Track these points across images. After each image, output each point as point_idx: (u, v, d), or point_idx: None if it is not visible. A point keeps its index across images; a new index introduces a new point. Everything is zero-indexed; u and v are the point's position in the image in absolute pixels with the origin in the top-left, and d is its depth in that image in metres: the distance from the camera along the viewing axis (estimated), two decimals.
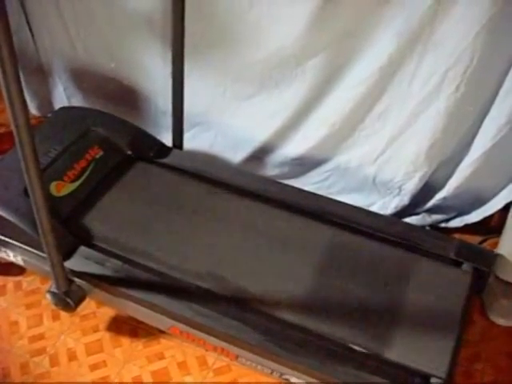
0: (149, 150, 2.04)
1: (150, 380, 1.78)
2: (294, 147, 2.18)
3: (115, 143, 2.01)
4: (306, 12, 1.78)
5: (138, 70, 2.31)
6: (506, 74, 1.71)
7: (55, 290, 1.65)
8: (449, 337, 1.52)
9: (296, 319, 1.56)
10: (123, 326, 1.91)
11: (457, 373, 1.52)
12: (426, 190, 2.09)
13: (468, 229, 2.09)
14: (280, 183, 2.03)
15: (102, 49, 2.32)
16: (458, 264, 1.72)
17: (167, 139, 2.11)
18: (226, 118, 2.24)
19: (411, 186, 2.07)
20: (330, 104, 2.01)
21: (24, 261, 1.83)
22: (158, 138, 2.12)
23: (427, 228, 2.12)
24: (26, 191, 1.42)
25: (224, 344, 1.58)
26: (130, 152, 2.03)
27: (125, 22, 2.17)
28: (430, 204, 2.11)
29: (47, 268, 1.58)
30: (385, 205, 2.16)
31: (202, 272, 1.67)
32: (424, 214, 2.15)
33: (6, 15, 1.05)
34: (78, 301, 1.69)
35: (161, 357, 1.83)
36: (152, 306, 1.62)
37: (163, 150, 2.07)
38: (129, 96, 2.40)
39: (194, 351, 1.83)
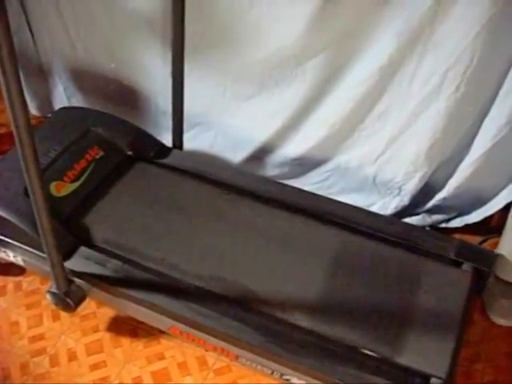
0: (149, 151, 2.04)
1: (150, 380, 1.78)
2: (294, 147, 2.18)
3: (115, 143, 2.01)
4: (306, 12, 1.78)
5: (138, 70, 2.31)
6: (506, 74, 1.71)
7: (55, 291, 1.65)
8: (449, 337, 1.52)
9: (296, 319, 1.56)
10: (123, 327, 1.91)
11: (457, 373, 1.52)
12: (426, 191, 2.09)
13: (468, 229, 2.09)
14: (280, 183, 2.02)
15: (102, 49, 2.32)
16: (458, 264, 1.72)
17: (167, 139, 2.11)
18: (226, 118, 2.23)
19: (411, 186, 2.07)
20: (330, 104, 2.01)
21: (24, 261, 1.83)
22: (158, 138, 2.12)
23: (427, 228, 2.11)
24: (26, 191, 1.43)
25: (224, 344, 1.58)
26: (130, 152, 2.03)
27: (125, 22, 2.17)
28: (430, 204, 2.11)
29: (47, 268, 1.58)
30: (385, 205, 2.16)
31: (202, 272, 1.67)
32: (424, 215, 2.15)
33: (5, 15, 1.05)
34: (78, 301, 1.69)
35: (161, 357, 1.83)
36: (152, 306, 1.62)
37: (163, 150, 2.07)
38: (129, 96, 2.40)
39: (194, 351, 1.83)
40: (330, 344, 1.50)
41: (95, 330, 1.91)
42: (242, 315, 1.56)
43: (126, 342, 1.87)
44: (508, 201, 1.90)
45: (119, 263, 1.67)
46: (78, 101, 2.57)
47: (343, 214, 1.85)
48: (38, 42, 2.47)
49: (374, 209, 2.14)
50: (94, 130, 1.99)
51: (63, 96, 2.59)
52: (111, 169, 1.96)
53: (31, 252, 1.73)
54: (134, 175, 1.98)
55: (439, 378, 1.43)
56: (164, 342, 1.86)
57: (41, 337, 1.90)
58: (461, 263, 1.72)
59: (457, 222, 2.12)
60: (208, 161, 2.28)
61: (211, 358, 1.82)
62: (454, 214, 2.13)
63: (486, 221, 2.04)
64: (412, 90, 1.85)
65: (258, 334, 1.52)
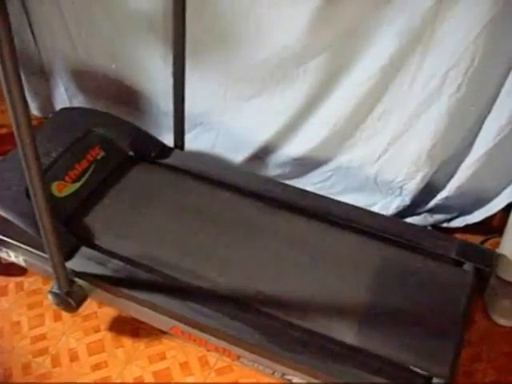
0: (150, 151, 2.04)
1: (152, 380, 1.78)
2: (296, 147, 2.18)
3: (116, 144, 2.01)
4: (307, 12, 1.78)
5: (140, 71, 2.31)
6: (507, 74, 1.71)
7: (57, 291, 1.65)
8: (450, 337, 1.52)
9: (298, 319, 1.56)
10: (125, 327, 1.91)
11: (458, 373, 1.52)
12: (428, 190, 2.09)
13: (470, 229, 2.09)
14: (281, 183, 2.02)
15: (104, 49, 2.32)
16: (459, 264, 1.72)
17: (169, 140, 2.11)
18: (228, 118, 2.24)
19: (413, 186, 2.07)
20: (331, 104, 2.01)
21: (25, 261, 1.83)
22: (160, 138, 2.12)
23: (429, 228, 2.11)
24: (27, 192, 1.43)
25: (226, 344, 1.58)
26: (131, 152, 2.03)
27: (126, 22, 2.17)
28: (431, 204, 2.11)
29: (49, 268, 1.58)
30: (386, 205, 2.16)
31: (204, 272, 1.67)
32: (425, 214, 2.15)
33: (7, 16, 1.05)
34: (80, 301, 1.69)
35: (162, 357, 1.83)
36: (153, 307, 1.62)
37: (164, 150, 2.07)
38: (130, 96, 2.40)
39: (195, 351, 1.83)
40: (331, 344, 1.50)
41: (97, 330, 1.91)
42: (244, 315, 1.56)
43: (127, 342, 1.88)
44: (509, 201, 1.90)
45: (121, 263, 1.67)
46: (79, 101, 2.57)
47: (345, 214, 1.85)
48: (39, 43, 2.47)
49: (375, 209, 2.14)
50: (96, 131, 1.99)
51: (64, 96, 2.60)
52: (112, 169, 1.96)
53: (33, 252, 1.73)
54: (136, 175, 1.98)
55: (441, 377, 1.43)
56: (166, 342, 1.86)
57: (42, 337, 1.90)
58: (462, 263, 1.72)
59: (458, 222, 2.12)
60: (209, 161, 2.28)
61: (213, 358, 1.82)
62: (455, 214, 2.13)
63: (488, 221, 2.04)
64: (413, 89, 1.85)
65: (260, 334, 1.52)
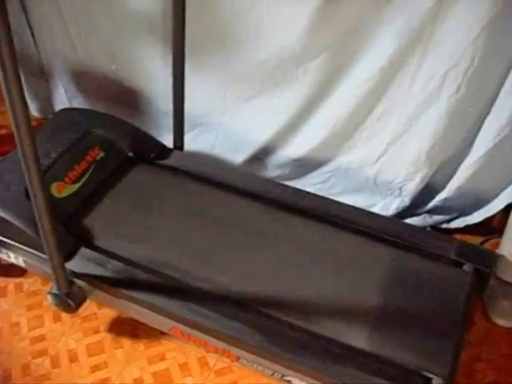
0: (150, 152, 2.04)
1: (151, 381, 1.78)
2: (295, 148, 2.18)
3: (116, 144, 2.01)
4: (307, 13, 1.78)
5: (139, 72, 2.31)
6: (506, 74, 1.71)
7: (56, 292, 1.65)
8: (450, 337, 1.52)
9: (297, 320, 1.56)
10: (124, 328, 1.91)
11: (458, 373, 1.52)
12: (427, 191, 2.09)
13: (469, 229, 2.09)
14: (281, 184, 2.02)
15: (103, 50, 2.32)
16: (459, 265, 1.72)
17: (168, 140, 2.11)
18: (227, 119, 2.24)
19: (412, 187, 2.07)
20: (330, 105, 2.01)
21: (25, 262, 1.83)
22: (159, 139, 2.12)
23: (428, 229, 2.11)
24: (26, 193, 1.43)
25: (225, 345, 1.58)
26: (130, 153, 2.03)
27: (125, 23, 2.17)
28: (431, 205, 2.11)
29: (48, 269, 1.58)
30: (386, 206, 2.16)
31: (203, 273, 1.67)
32: (425, 215, 2.15)
33: (6, 17, 1.06)
34: (79, 302, 1.69)
35: (162, 358, 1.83)
36: (153, 307, 1.62)
37: (164, 151, 2.07)
38: (129, 97, 2.40)
39: (195, 352, 1.83)
40: (331, 345, 1.50)
41: (96, 331, 1.91)
42: (243, 316, 1.56)
43: (126, 342, 1.87)
44: (509, 201, 1.90)
45: (120, 264, 1.67)
46: (78, 102, 2.57)
47: (344, 214, 1.85)
48: (38, 44, 2.47)
49: (375, 210, 2.14)
50: (95, 132, 1.99)
51: (64, 97, 2.60)
52: (112, 170, 1.96)
53: (32, 253, 1.73)
54: (135, 176, 1.98)
55: (440, 378, 1.43)
56: (165, 343, 1.86)
57: (42, 338, 1.90)
58: (462, 264, 1.72)
59: (458, 223, 2.12)
60: (209, 162, 2.28)
61: (212, 358, 1.82)
62: (454, 215, 2.13)
63: (487, 221, 2.04)
64: (413, 90, 1.85)
65: (259, 334, 1.52)
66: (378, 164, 2.08)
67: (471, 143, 1.92)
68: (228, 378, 1.78)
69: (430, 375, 1.44)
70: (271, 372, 1.57)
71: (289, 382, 1.56)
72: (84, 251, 1.70)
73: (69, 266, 1.64)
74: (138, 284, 1.64)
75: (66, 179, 1.84)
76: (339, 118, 2.01)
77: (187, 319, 1.57)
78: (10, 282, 2.06)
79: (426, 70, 1.79)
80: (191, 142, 2.27)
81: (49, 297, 1.68)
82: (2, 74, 1.11)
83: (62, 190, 1.82)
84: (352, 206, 1.90)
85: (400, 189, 2.11)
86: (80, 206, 1.84)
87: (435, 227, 2.15)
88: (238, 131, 2.25)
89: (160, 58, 2.17)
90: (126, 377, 1.79)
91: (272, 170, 2.29)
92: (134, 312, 1.72)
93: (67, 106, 2.58)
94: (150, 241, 1.77)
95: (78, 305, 1.69)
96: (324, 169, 2.20)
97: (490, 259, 1.75)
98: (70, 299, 1.65)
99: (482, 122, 1.85)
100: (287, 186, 1.99)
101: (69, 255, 1.67)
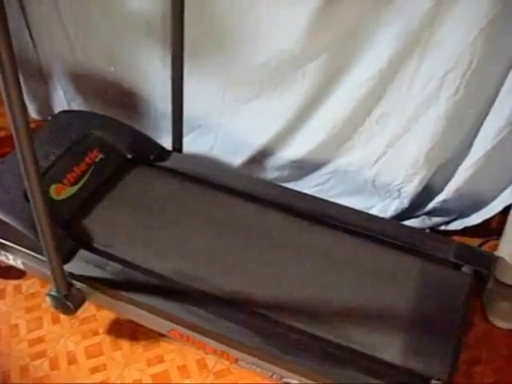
0: (148, 154, 2.04)
1: (150, 383, 1.78)
2: (294, 150, 2.18)
3: (115, 146, 2.01)
4: (305, 14, 1.79)
5: (138, 74, 2.31)
6: (505, 76, 1.71)
7: (55, 294, 1.65)
8: (449, 339, 1.52)
9: (296, 322, 1.56)
10: (123, 329, 1.91)
11: (457, 375, 1.52)
12: (426, 193, 2.09)
13: (468, 231, 2.09)
14: (280, 186, 2.02)
15: (102, 52, 2.32)
16: (457, 266, 1.72)
17: (167, 142, 2.11)
18: (226, 121, 2.24)
19: (411, 189, 2.07)
20: (329, 107, 2.01)
21: (24, 264, 1.83)
22: (158, 141, 2.12)
23: (427, 231, 2.12)
24: (25, 194, 1.43)
25: (224, 347, 1.58)
26: (129, 155, 2.03)
27: (124, 25, 2.17)
28: (429, 207, 2.11)
29: (47, 271, 1.58)
30: (384, 208, 2.16)
31: (202, 275, 1.67)
32: (424, 217, 2.15)
33: (5, 19, 1.05)
34: (78, 304, 1.69)
35: (161, 360, 1.83)
36: (152, 309, 1.61)
37: (163, 153, 2.07)
38: (128, 99, 2.40)
39: (194, 354, 1.83)
40: (330, 347, 1.50)
41: (95, 333, 1.91)
42: (242, 318, 1.56)
43: (125, 345, 1.87)
44: (507, 203, 1.90)
45: (119, 266, 1.67)
46: (77, 104, 2.57)
47: (343, 216, 1.85)
48: (37, 45, 2.47)
49: (373, 211, 2.14)
50: (94, 133, 1.99)
51: (63, 99, 2.60)
52: (111, 172, 1.96)
53: (31, 255, 1.73)
54: (134, 178, 1.98)
55: (439, 380, 1.43)
56: (164, 345, 1.86)
57: (40, 340, 1.90)
58: (460, 265, 1.72)
59: (456, 225, 2.12)
60: (208, 164, 2.28)
61: (211, 360, 1.82)
62: (453, 217, 2.14)
63: (486, 223, 2.04)
64: (411, 92, 1.85)
65: (258, 336, 1.52)
66: (377, 166, 2.08)
67: (470, 145, 1.92)
68: (227, 379, 1.78)
69: (430, 377, 1.44)
70: (270, 374, 1.57)
71: (288, 383, 1.56)
72: (83, 253, 1.70)
73: (67, 267, 1.64)
74: (136, 286, 1.64)
75: (65, 181, 1.84)
76: (338, 120, 2.01)
77: (186, 321, 1.57)
78: (9, 284, 2.06)
79: (425, 72, 1.79)
80: (190, 144, 2.27)
81: (47, 299, 1.68)
82: (1, 75, 1.11)
83: (61, 192, 1.82)
84: (350, 208, 1.90)
85: (399, 191, 2.11)
86: (79, 208, 1.83)
87: (434, 229, 2.15)
88: (236, 133, 2.25)
89: (159, 60, 2.17)
90: (124, 379, 1.79)
91: (271, 171, 2.29)
92: (133, 314, 1.72)
93: (66, 107, 2.58)
94: (149, 243, 1.77)
95: (77, 307, 1.68)
96: (323, 171, 2.20)
97: (488, 261, 1.75)
98: (68, 301, 1.65)
99: (481, 124, 1.85)
100: (286, 188, 2.00)
101: (67, 257, 1.67)
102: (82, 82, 2.50)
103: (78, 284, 1.68)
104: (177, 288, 1.64)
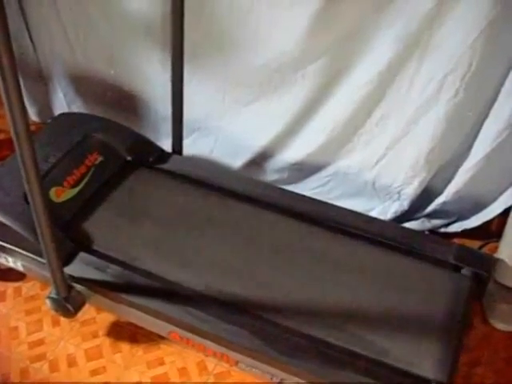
0: (148, 156, 2.05)
1: None
2: (294, 152, 2.18)
3: (115, 149, 2.01)
4: (305, 16, 1.79)
5: (138, 76, 2.31)
6: (504, 78, 1.71)
7: (55, 296, 1.65)
8: (449, 341, 1.52)
9: (296, 324, 1.56)
10: (123, 332, 1.91)
11: (457, 377, 1.52)
12: (426, 195, 2.09)
13: (467, 233, 2.09)
14: (279, 188, 2.03)
15: (102, 54, 2.32)
16: (457, 269, 1.72)
17: (167, 145, 2.11)
18: (226, 123, 2.24)
19: (411, 191, 2.07)
20: (329, 109, 2.01)
21: (24, 266, 1.83)
22: (158, 143, 2.12)
23: (426, 233, 2.12)
24: (25, 197, 1.43)
25: (224, 349, 1.58)
26: (129, 158, 2.03)
27: (124, 27, 2.17)
28: (429, 209, 2.11)
29: (47, 274, 1.58)
30: (384, 210, 2.17)
31: (202, 277, 1.67)
32: (423, 219, 2.15)
33: (5, 21, 1.06)
34: (78, 306, 1.69)
35: (161, 362, 1.83)
36: (152, 312, 1.61)
37: (163, 155, 2.07)
38: (128, 102, 2.41)
39: (194, 357, 1.83)
40: (329, 349, 1.50)
41: (95, 336, 1.91)
42: (242, 320, 1.56)
43: (125, 347, 1.87)
44: (507, 205, 1.90)
45: (119, 269, 1.67)
46: (77, 106, 2.58)
47: (342, 219, 1.85)
48: (37, 48, 2.48)
49: (373, 214, 2.14)
50: (94, 136, 1.99)
51: (63, 102, 2.60)
52: (111, 174, 1.96)
53: (31, 257, 1.73)
54: (134, 181, 1.98)
55: (439, 382, 1.43)
56: (164, 348, 1.86)
57: (40, 342, 1.90)
58: (460, 268, 1.72)
59: (456, 227, 2.12)
60: (207, 166, 2.28)
61: (211, 363, 1.82)
62: (453, 219, 2.14)
63: (486, 225, 2.04)
64: (411, 94, 1.86)
65: (258, 339, 1.52)
66: (377, 168, 2.08)
67: (469, 147, 1.92)
68: (227, 382, 1.78)
69: (429, 379, 1.44)
70: (270, 376, 1.57)
71: None
72: (83, 256, 1.70)
73: (67, 270, 1.64)
74: (136, 288, 1.64)
75: (65, 184, 1.84)
76: (338, 122, 2.01)
77: (186, 323, 1.57)
78: (9, 287, 2.06)
79: (424, 74, 1.80)
80: (190, 147, 2.27)
81: (47, 301, 1.68)
82: (1, 78, 1.11)
83: (61, 194, 1.82)
84: (350, 210, 1.90)
85: (398, 193, 2.11)
86: (79, 210, 1.83)
87: (433, 231, 2.15)
88: (236, 135, 2.25)
89: (159, 62, 2.17)
90: (124, 381, 1.79)
91: (271, 174, 2.29)
92: (133, 316, 1.72)
93: (66, 110, 2.58)
94: (149, 245, 1.77)
95: (77, 309, 1.68)
96: (323, 173, 2.20)
97: (488, 263, 1.75)
98: (68, 304, 1.65)
99: (481, 126, 1.85)
100: (285, 190, 2.00)
101: (67, 259, 1.67)
102: (81, 84, 2.50)
103: (78, 286, 1.68)
104: (177, 290, 1.64)
